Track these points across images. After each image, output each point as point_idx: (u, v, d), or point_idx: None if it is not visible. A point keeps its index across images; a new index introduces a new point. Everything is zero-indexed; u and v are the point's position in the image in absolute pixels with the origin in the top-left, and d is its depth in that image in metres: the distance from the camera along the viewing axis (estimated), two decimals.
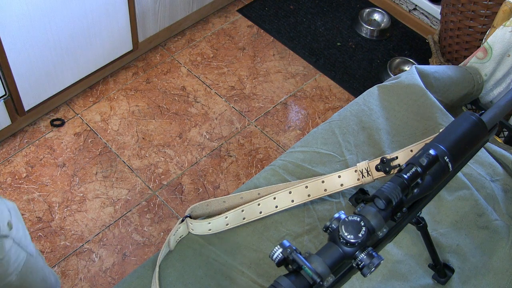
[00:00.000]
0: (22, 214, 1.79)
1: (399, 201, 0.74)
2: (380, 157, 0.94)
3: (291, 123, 2.13)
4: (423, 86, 1.29)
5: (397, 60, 2.35)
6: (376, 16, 2.53)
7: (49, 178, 1.88)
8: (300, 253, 0.69)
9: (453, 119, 1.09)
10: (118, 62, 2.15)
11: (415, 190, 0.77)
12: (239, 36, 2.40)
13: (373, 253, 0.70)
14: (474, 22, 1.86)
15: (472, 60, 1.43)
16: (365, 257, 0.70)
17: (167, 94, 2.15)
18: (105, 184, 1.89)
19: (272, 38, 2.41)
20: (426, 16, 2.47)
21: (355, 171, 1.08)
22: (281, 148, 2.05)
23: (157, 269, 0.99)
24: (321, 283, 0.67)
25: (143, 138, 2.02)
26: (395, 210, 0.75)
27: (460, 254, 1.08)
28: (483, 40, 1.44)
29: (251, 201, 1.08)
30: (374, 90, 1.32)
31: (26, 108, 1.86)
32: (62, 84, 1.95)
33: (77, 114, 2.06)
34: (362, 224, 0.71)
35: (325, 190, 1.09)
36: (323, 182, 1.09)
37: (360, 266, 0.70)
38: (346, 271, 0.73)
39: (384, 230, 0.73)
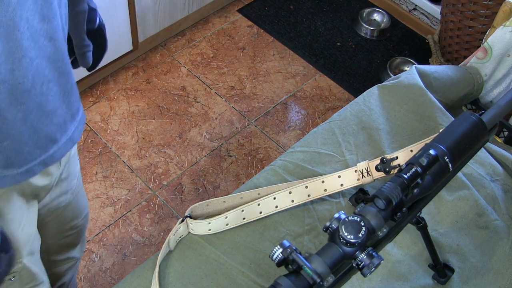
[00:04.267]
0: None
1: (399, 201, 0.74)
2: (380, 157, 0.94)
3: (291, 123, 2.13)
4: (423, 86, 1.29)
5: (397, 60, 2.35)
6: (376, 16, 2.54)
7: None
8: (300, 253, 0.69)
9: (453, 119, 1.09)
10: (118, 62, 2.15)
11: (415, 190, 0.77)
12: (239, 36, 2.40)
13: (373, 253, 0.70)
14: (474, 22, 1.86)
15: (472, 60, 1.43)
16: (365, 257, 0.70)
17: (167, 94, 2.15)
18: (105, 184, 1.89)
19: (272, 38, 2.41)
20: (426, 16, 2.48)
21: (355, 171, 1.08)
22: (281, 148, 2.05)
23: (157, 269, 0.99)
24: (321, 283, 0.67)
25: (143, 138, 2.02)
26: (395, 210, 0.75)
27: (460, 254, 1.08)
28: (483, 40, 1.44)
29: (251, 201, 1.08)
30: (374, 90, 1.32)
31: None
32: None
33: None
34: (362, 224, 0.71)
35: (325, 190, 1.09)
36: (323, 182, 1.09)
37: (360, 266, 0.70)
38: (346, 271, 0.73)
39: (384, 230, 0.73)
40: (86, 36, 0.97)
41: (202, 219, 1.08)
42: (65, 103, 0.86)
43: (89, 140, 2.00)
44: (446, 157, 0.79)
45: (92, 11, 0.98)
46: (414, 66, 1.35)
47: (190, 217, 1.06)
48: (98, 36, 1.02)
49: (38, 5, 0.72)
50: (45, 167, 0.87)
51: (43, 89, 0.78)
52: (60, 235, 1.17)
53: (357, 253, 0.70)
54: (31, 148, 0.82)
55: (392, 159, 0.91)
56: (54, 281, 1.30)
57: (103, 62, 2.05)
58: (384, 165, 0.91)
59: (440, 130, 0.86)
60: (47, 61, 0.77)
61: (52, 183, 0.96)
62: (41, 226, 1.07)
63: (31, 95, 0.76)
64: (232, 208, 1.06)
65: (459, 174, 1.17)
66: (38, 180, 0.90)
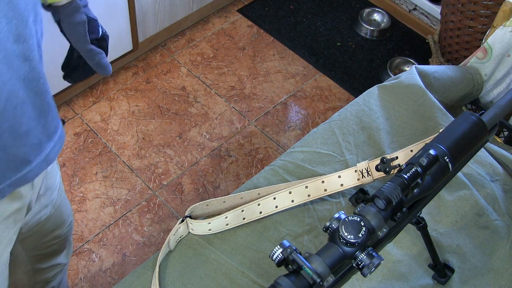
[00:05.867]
0: None
1: (399, 201, 0.74)
2: (380, 157, 0.94)
3: (291, 123, 2.13)
4: (423, 86, 1.29)
5: (397, 60, 2.35)
6: (376, 16, 2.54)
7: None
8: (300, 253, 0.69)
9: (453, 119, 1.09)
10: (118, 62, 2.15)
11: (415, 190, 0.77)
12: (239, 36, 2.40)
13: (373, 253, 0.70)
14: (474, 22, 1.86)
15: (472, 60, 1.43)
16: (365, 257, 0.70)
17: (167, 94, 2.15)
18: (105, 184, 1.89)
19: (272, 38, 2.41)
20: (426, 16, 2.48)
21: (355, 171, 1.08)
22: (281, 148, 2.05)
23: (157, 269, 0.99)
24: (321, 283, 0.67)
25: (143, 138, 2.02)
26: (395, 210, 0.75)
27: (460, 254, 1.08)
28: (483, 40, 1.44)
29: (251, 201, 1.08)
30: (374, 90, 1.32)
31: None
32: (62, 84, 1.95)
33: (77, 114, 2.06)
34: (362, 224, 0.71)
35: (325, 190, 1.09)
36: (323, 182, 1.09)
37: (360, 266, 0.70)
38: (346, 271, 0.73)
39: (384, 230, 0.73)
40: (93, 45, 0.97)
41: (202, 219, 1.08)
42: (41, 124, 0.83)
43: (89, 140, 2.00)
44: (446, 157, 0.79)
45: (92, 21, 0.97)
46: (414, 66, 1.35)
47: (190, 217, 1.06)
48: (101, 47, 1.01)
49: (12, 25, 0.69)
50: (15, 188, 0.83)
51: (16, 111, 0.75)
52: (43, 246, 1.15)
53: (357, 253, 0.70)
54: (2, 170, 0.79)
55: (392, 159, 0.91)
56: (41, 287, 1.28)
57: None
58: (384, 165, 0.91)
59: (440, 130, 0.86)
60: (22, 82, 0.74)
61: (25, 205, 0.92)
62: (22, 239, 1.05)
63: (4, 117, 0.73)
64: (232, 208, 1.06)
65: (459, 174, 1.17)
66: (7, 206, 0.86)
